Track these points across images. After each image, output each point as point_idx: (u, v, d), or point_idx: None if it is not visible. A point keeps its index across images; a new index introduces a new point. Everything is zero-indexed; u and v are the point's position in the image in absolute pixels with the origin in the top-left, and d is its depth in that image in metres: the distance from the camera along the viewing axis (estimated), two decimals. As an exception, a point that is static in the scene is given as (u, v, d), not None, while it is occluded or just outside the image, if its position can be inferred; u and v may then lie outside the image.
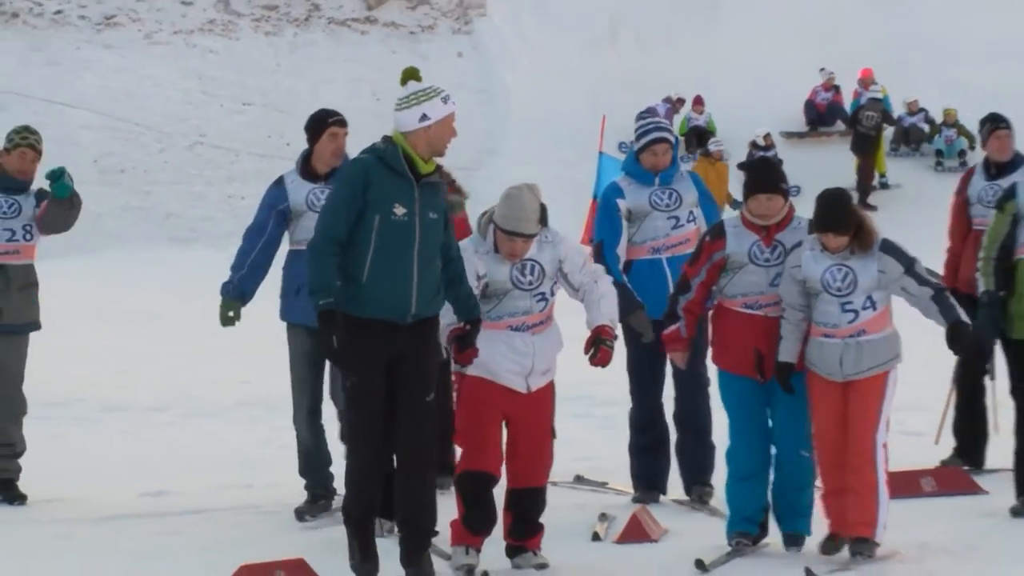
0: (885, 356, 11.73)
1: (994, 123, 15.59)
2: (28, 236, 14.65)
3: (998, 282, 13.30)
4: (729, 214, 14.27)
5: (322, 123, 13.16)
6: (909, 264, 11.74)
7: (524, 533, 11.52)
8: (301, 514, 13.32)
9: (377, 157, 10.79)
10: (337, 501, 13.05)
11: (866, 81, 43.03)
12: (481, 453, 11.34)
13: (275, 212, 13.19)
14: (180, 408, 20.00)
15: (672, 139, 14.47)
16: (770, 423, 12.44)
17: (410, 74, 11.00)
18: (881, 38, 45.12)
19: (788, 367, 11.80)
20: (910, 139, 42.45)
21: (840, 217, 11.61)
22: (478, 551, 11.34)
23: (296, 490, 13.96)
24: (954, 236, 16.01)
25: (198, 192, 37.45)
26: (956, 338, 11.65)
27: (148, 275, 18.40)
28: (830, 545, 11.71)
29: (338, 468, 12.80)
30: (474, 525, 11.32)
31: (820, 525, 12.06)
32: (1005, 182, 14.69)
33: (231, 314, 13.28)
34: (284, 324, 13.45)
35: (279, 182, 13.41)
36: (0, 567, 12.07)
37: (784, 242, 12.03)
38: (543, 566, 11.46)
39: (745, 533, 12.01)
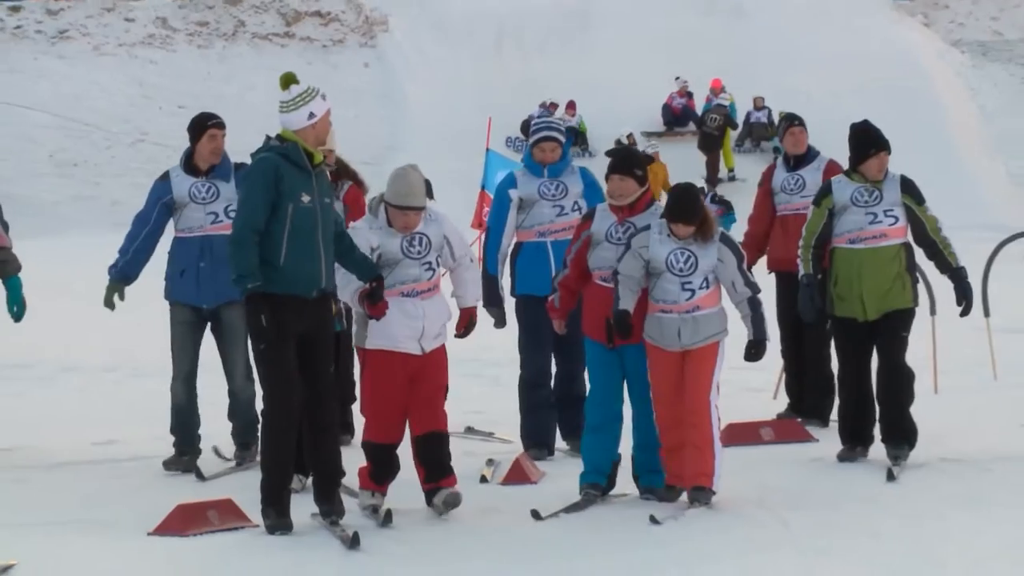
0: (716, 328, 11.92)
1: (788, 121, 15.88)
2: None
3: (815, 267, 13.49)
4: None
5: (202, 125, 13.24)
6: (740, 259, 12.07)
7: (437, 475, 11.66)
8: (167, 466, 13.41)
9: (281, 154, 10.98)
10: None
11: (716, 90, 43.65)
12: (384, 427, 11.58)
13: (160, 204, 13.17)
14: (126, 368, 20.32)
15: (561, 138, 14.50)
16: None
17: (290, 79, 11.16)
18: (728, 51, 45.29)
19: (623, 316, 11.87)
20: (754, 136, 43.29)
21: (690, 209, 11.87)
22: (383, 495, 11.63)
23: (224, 439, 14.31)
24: (755, 222, 16.12)
25: (140, 183, 36.80)
26: (752, 351, 11.99)
27: (97, 255, 18.19)
28: (669, 494, 11.94)
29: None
30: (379, 478, 11.65)
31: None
32: (805, 173, 15.27)
33: (116, 296, 13.33)
34: (169, 303, 13.44)
35: (164, 177, 13.34)
36: None
37: (636, 224, 12.17)
38: (457, 500, 11.56)
39: (595, 484, 12.12)
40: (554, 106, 39.66)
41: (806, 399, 15.58)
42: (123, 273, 13.12)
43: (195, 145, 13.13)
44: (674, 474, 11.98)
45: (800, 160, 15.47)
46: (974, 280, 16.52)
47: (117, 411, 15.21)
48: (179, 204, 12.98)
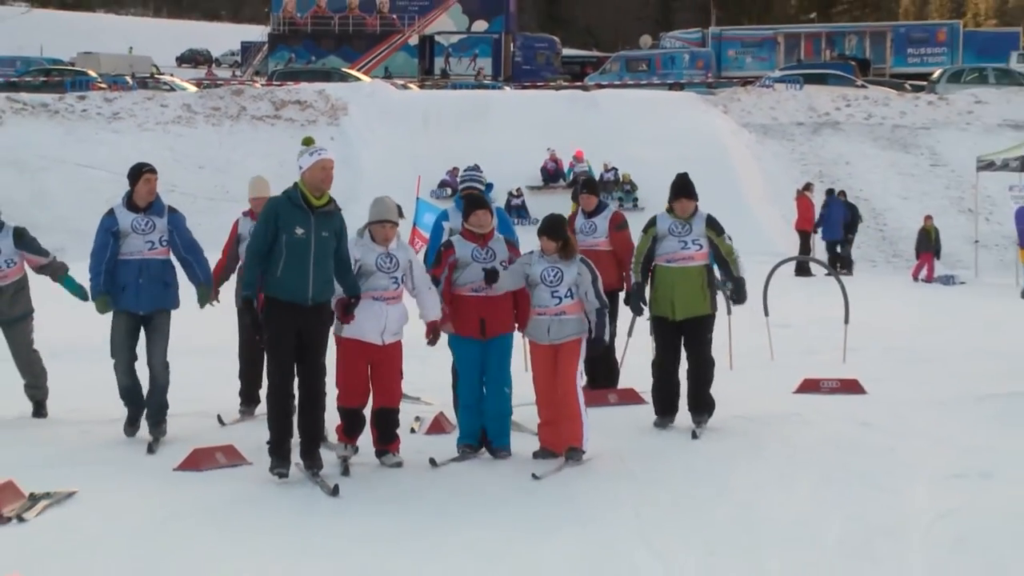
0: (577, 329, 11.99)
1: (582, 188, 15.62)
2: (10, 264, 14.09)
3: (643, 278, 13.52)
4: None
5: (138, 172, 12.71)
6: (595, 278, 12.06)
7: (385, 440, 11.84)
8: (125, 430, 13.05)
9: (286, 196, 10.87)
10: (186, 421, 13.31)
11: (578, 158, 43.34)
12: (352, 395, 11.55)
13: (109, 232, 12.44)
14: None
15: (481, 186, 13.96)
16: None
17: (306, 141, 11.14)
18: (586, 131, 44.62)
19: (493, 272, 11.98)
20: (606, 188, 42.71)
21: (555, 230, 11.95)
22: (355, 448, 11.73)
23: (218, 405, 14.34)
24: None
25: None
26: (592, 346, 12.11)
27: None
28: (542, 454, 12.13)
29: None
30: (349, 432, 11.69)
31: (531, 444, 12.50)
32: (597, 220, 14.84)
33: (106, 304, 12.67)
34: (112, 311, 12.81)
35: (111, 213, 12.63)
36: (49, 453, 12.28)
37: (494, 248, 12.21)
38: (399, 464, 11.76)
39: (469, 445, 12.29)
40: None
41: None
42: (103, 289, 12.60)
43: (134, 187, 12.65)
44: (548, 442, 12.25)
45: (593, 211, 15.04)
46: (757, 290, 16.60)
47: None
48: (123, 233, 12.45)
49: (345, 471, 11.21)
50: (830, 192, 37.35)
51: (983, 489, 11.29)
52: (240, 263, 13.42)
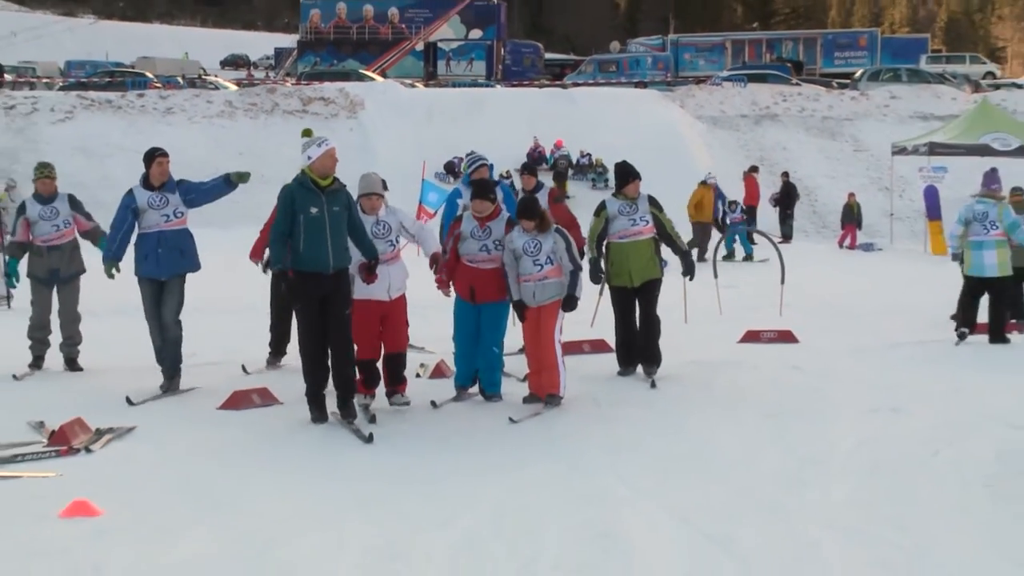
0: (557, 292, 11.91)
1: (522, 170, 15.09)
2: (67, 225, 14.04)
3: (598, 252, 13.36)
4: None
5: (152, 156, 12.55)
6: (568, 244, 11.96)
7: (394, 382, 11.75)
8: (162, 388, 12.64)
9: (298, 183, 10.75)
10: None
11: (558, 146, 43.12)
12: (367, 348, 11.41)
13: (129, 210, 12.36)
14: (201, 310, 16.86)
15: (490, 165, 14.08)
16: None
17: (305, 133, 11.05)
18: (565, 121, 44.64)
19: (520, 304, 12.07)
20: (581, 171, 42.79)
21: (532, 211, 11.93)
22: (373, 396, 11.64)
23: (251, 355, 14.20)
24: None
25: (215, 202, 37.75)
26: (567, 304, 11.94)
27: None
28: (529, 400, 12.05)
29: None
30: (368, 384, 11.58)
31: (522, 389, 12.42)
32: (537, 196, 13.76)
33: (114, 270, 12.56)
34: (137, 278, 12.71)
35: (130, 192, 12.48)
36: (107, 397, 12.15)
37: (492, 227, 12.11)
38: (407, 403, 11.70)
39: (463, 387, 12.34)
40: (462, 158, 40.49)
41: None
42: (115, 255, 12.51)
43: (148, 169, 12.47)
44: (536, 388, 12.16)
45: (533, 189, 14.43)
46: (708, 256, 16.48)
47: (198, 338, 14.34)
48: (141, 210, 12.34)
49: (372, 419, 11.05)
50: (784, 174, 37.62)
51: (893, 422, 11.45)
52: None
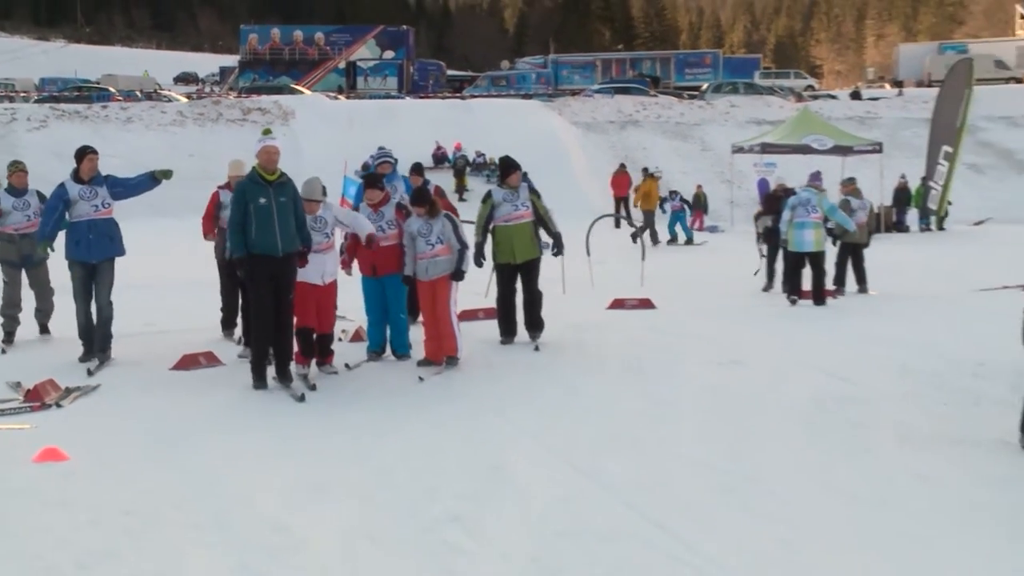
0: (447, 268, 11.70)
1: (411, 171, 14.17)
2: (37, 215, 12.98)
3: (483, 237, 12.97)
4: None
5: (83, 153, 11.95)
6: (455, 226, 11.80)
7: (324, 355, 11.46)
8: (81, 359, 12.09)
9: (249, 178, 10.56)
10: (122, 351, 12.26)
11: (457, 149, 43.09)
12: (304, 317, 11.08)
13: (62, 200, 11.80)
14: (161, 286, 17.67)
15: (392, 161, 13.75)
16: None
17: (265, 131, 10.89)
18: (464, 127, 44.44)
19: (408, 278, 11.87)
20: (477, 169, 42.66)
21: (423, 199, 11.77)
22: (308, 367, 11.25)
23: (192, 324, 13.94)
24: None
25: (169, 194, 37.37)
26: (454, 277, 11.75)
27: (143, 233, 16.47)
28: (424, 363, 11.73)
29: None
30: (306, 354, 11.23)
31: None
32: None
33: (48, 249, 12.08)
34: (68, 261, 12.10)
35: (62, 185, 11.86)
36: (71, 360, 11.85)
37: (384, 211, 12.05)
38: (335, 372, 11.43)
39: (376, 352, 12.17)
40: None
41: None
42: (48, 236, 11.90)
43: (79, 165, 11.83)
44: (430, 353, 11.85)
45: (421, 187, 13.26)
46: (581, 237, 16.58)
47: (151, 311, 14.32)
48: (73, 201, 11.76)
49: (313, 387, 10.72)
50: (644, 169, 37.89)
51: (732, 371, 11.56)
52: (219, 224, 12.72)
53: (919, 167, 36.13)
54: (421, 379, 11.18)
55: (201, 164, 39.31)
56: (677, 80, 74.43)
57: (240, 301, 12.37)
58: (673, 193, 32.08)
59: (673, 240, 30.09)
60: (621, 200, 36.55)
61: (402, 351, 12.20)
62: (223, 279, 13.25)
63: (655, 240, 29.26)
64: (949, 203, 35.19)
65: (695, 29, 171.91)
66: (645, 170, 33.96)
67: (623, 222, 31.19)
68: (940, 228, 34.82)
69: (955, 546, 6.54)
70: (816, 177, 17.25)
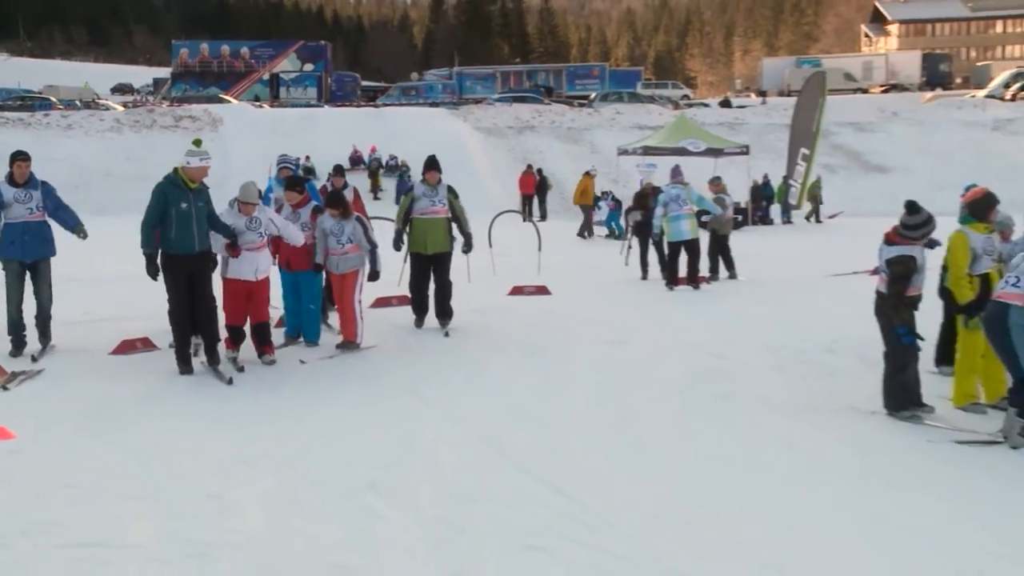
0: (356, 264, 11.53)
1: (332, 172, 13.91)
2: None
3: (403, 226, 12.64)
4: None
5: (14, 158, 11.19)
6: (365, 228, 11.64)
7: (262, 344, 11.00)
8: (11, 354, 11.28)
9: (170, 181, 10.13)
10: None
11: (372, 151, 42.72)
12: (235, 317, 10.82)
13: None
14: (96, 279, 16.92)
15: (292, 167, 13.64)
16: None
17: (196, 142, 10.37)
18: (377, 133, 44.14)
19: (318, 265, 11.61)
20: (390, 170, 42.13)
21: (336, 201, 11.63)
22: (237, 351, 10.86)
23: (128, 313, 13.29)
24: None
25: (110, 195, 36.62)
26: (371, 277, 11.66)
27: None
28: (343, 346, 11.55)
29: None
30: (234, 342, 10.88)
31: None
32: (345, 192, 13.33)
33: None
34: (3, 260, 11.41)
35: None
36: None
37: (301, 213, 11.74)
38: (273, 361, 10.89)
39: (292, 337, 11.85)
40: (304, 158, 39.91)
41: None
42: None
43: (11, 169, 11.08)
44: (354, 333, 11.66)
45: (343, 187, 13.60)
46: (484, 230, 16.53)
47: (92, 301, 14.01)
48: (7, 204, 11.08)
49: (241, 369, 10.44)
50: (539, 170, 38.09)
51: (618, 350, 11.59)
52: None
53: (781, 167, 36.65)
54: (302, 361, 10.99)
55: (136, 167, 38.83)
56: (568, 90, 74.73)
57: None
58: (605, 193, 32.17)
59: (611, 235, 30.01)
60: (527, 198, 36.79)
61: (311, 338, 11.87)
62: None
63: (590, 233, 29.28)
64: (820, 203, 35.77)
65: (584, 44, 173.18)
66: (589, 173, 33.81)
67: (531, 216, 31.24)
68: (818, 220, 35.33)
69: (811, 500, 6.69)
70: (677, 172, 17.31)
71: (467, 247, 13.07)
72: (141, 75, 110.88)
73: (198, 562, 5.72)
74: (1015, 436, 7.74)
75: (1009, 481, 7.08)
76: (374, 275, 11.72)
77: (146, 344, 11.74)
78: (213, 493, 6.82)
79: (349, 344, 11.59)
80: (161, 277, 10.30)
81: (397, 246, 12.80)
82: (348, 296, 11.66)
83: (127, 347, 11.57)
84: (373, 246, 11.73)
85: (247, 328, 11.05)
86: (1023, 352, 7.53)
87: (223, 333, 10.89)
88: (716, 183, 19.62)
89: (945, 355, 9.71)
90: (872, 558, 5.75)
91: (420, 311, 12.97)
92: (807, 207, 35.52)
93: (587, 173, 32.40)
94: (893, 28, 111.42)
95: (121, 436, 8.21)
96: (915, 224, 8.53)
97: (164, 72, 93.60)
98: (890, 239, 8.63)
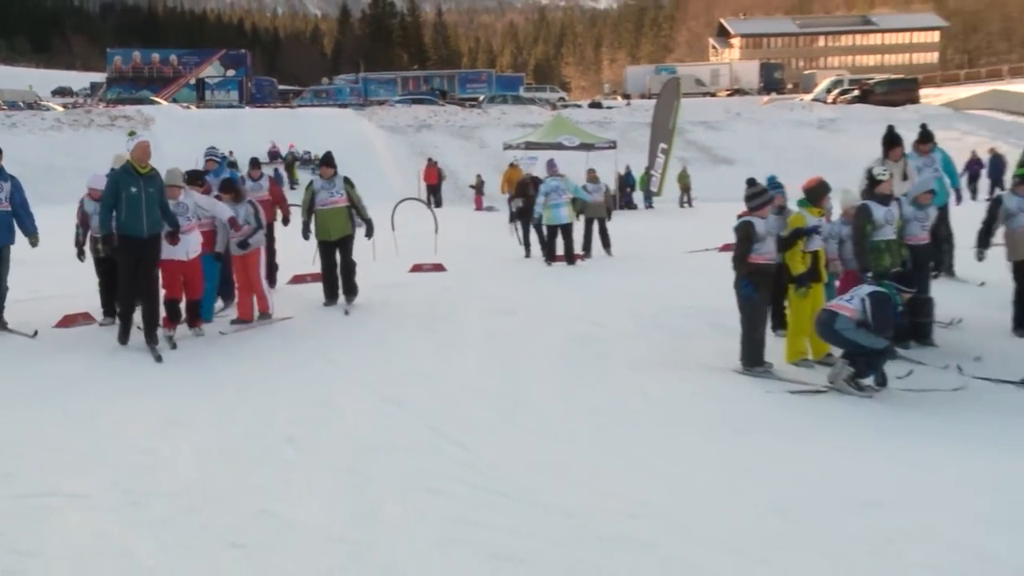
0: (255, 242, 11.21)
1: (250, 165, 13.66)
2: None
3: (308, 217, 12.24)
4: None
5: None
6: (256, 210, 11.31)
7: (192, 319, 10.57)
8: None
9: (123, 169, 9.77)
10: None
11: (292, 147, 42.28)
12: (171, 290, 10.27)
13: None
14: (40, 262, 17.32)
15: (218, 159, 12.94)
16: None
17: (130, 133, 10.16)
18: (293, 131, 43.35)
19: (219, 255, 11.17)
20: (304, 164, 41.19)
21: (227, 188, 11.27)
22: (174, 330, 10.28)
23: (71, 291, 12.68)
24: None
25: (52, 187, 35.51)
26: (242, 246, 11.23)
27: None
28: (238, 322, 11.24)
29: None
30: (172, 320, 10.32)
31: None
32: (261, 181, 13.41)
33: None
34: None
35: None
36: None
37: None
38: (202, 334, 10.56)
39: (205, 319, 11.04)
40: (231, 153, 39.10)
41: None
42: None
43: None
44: (242, 314, 11.36)
45: (258, 177, 13.43)
46: (387, 215, 16.32)
47: (37, 281, 13.57)
48: None
49: (174, 346, 10.03)
50: (435, 163, 37.72)
51: (507, 320, 11.42)
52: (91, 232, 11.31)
53: (644, 160, 37.07)
54: (222, 333, 10.81)
55: (75, 161, 37.67)
56: (460, 93, 74.24)
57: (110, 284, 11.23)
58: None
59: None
60: (431, 187, 36.65)
61: (205, 316, 11.14)
62: (97, 264, 11.88)
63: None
64: (690, 189, 36.20)
65: (473, 53, 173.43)
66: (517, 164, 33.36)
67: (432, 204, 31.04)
68: (690, 205, 35.67)
69: (670, 443, 6.79)
70: (552, 166, 17.53)
71: (369, 232, 12.78)
72: (79, 79, 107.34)
73: (136, 508, 5.66)
74: (840, 381, 8.02)
75: (829, 422, 7.29)
76: (243, 244, 11.25)
77: (87, 318, 11.39)
78: (149, 449, 6.72)
79: (263, 316, 11.34)
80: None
81: (305, 235, 12.43)
82: (254, 274, 11.34)
83: (69, 321, 11.22)
84: (259, 225, 11.37)
85: (183, 306, 10.64)
86: (859, 339, 7.85)
87: (163, 312, 10.43)
88: (591, 173, 20.27)
89: (778, 320, 9.83)
90: (717, 491, 5.84)
91: (332, 296, 12.52)
92: (678, 194, 35.98)
93: (512, 164, 32.27)
94: (736, 41, 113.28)
95: (65, 400, 8.06)
96: (751, 195, 8.80)
97: (100, 77, 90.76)
98: (740, 215, 8.87)
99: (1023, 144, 29.91)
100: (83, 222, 11.30)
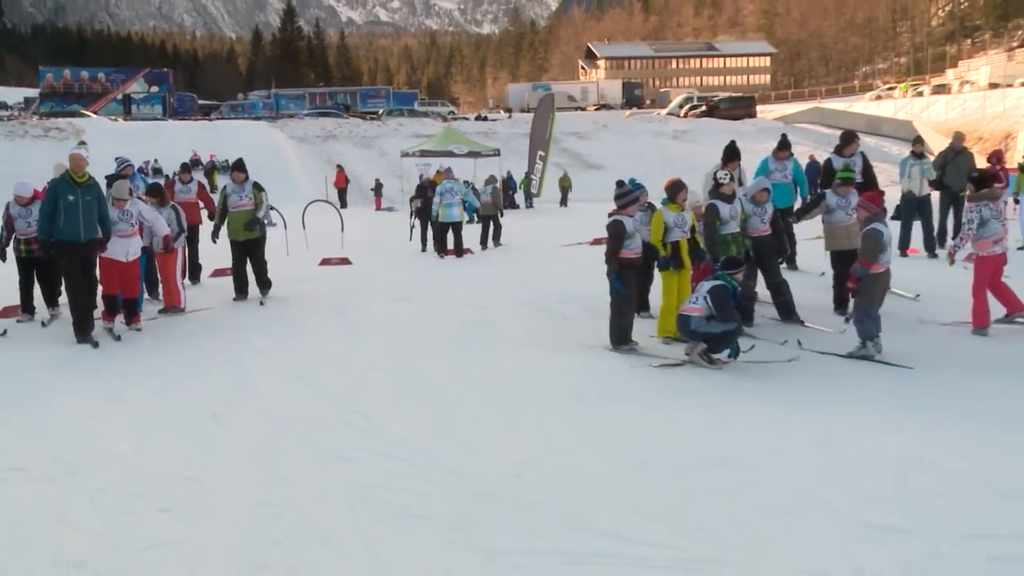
0: (178, 245, 10.79)
1: (180, 169, 13.21)
2: None
3: (222, 220, 11.75)
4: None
5: None
6: (178, 214, 11.01)
7: (130, 316, 10.03)
8: None
9: (62, 178, 9.35)
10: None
11: (213, 156, 40.84)
12: (109, 286, 9.75)
13: None
14: None
15: (133, 166, 12.47)
16: None
17: (80, 143, 9.83)
18: (212, 141, 42.14)
19: (147, 247, 10.72)
20: (224, 171, 40.02)
21: (155, 192, 11.12)
22: (113, 322, 9.82)
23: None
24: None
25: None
26: (166, 248, 10.81)
27: None
28: (167, 311, 10.91)
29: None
30: (111, 313, 9.83)
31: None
32: (191, 184, 12.98)
33: None
34: None
35: None
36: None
37: (131, 210, 10.13)
38: (139, 329, 9.94)
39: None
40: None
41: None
42: None
43: None
44: (169, 302, 10.99)
45: (188, 181, 13.08)
46: (299, 216, 15.96)
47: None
48: None
49: (117, 338, 9.59)
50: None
51: (405, 305, 11.45)
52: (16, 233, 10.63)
53: (524, 165, 37.27)
54: (153, 317, 10.51)
55: (10, 168, 35.67)
56: (362, 107, 73.18)
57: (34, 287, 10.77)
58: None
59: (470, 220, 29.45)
60: (341, 191, 36.22)
61: (139, 308, 10.52)
62: (19, 263, 10.97)
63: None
64: (570, 191, 36.38)
65: (373, 72, 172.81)
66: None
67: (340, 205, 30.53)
68: (565, 205, 35.82)
69: (549, 413, 6.75)
70: (450, 172, 17.61)
71: (261, 227, 11.95)
72: (13, 94, 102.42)
73: (73, 479, 5.51)
74: (695, 355, 8.17)
75: (685, 391, 7.34)
76: (168, 247, 10.84)
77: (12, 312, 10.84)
78: (85, 427, 6.55)
79: (173, 308, 10.95)
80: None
81: (214, 239, 11.97)
82: (169, 268, 10.96)
83: (9, 312, 10.79)
84: (180, 230, 11.11)
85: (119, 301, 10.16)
86: (712, 329, 7.97)
87: (101, 306, 10.01)
88: (490, 177, 21.20)
89: (642, 303, 9.90)
90: (590, 452, 5.88)
91: (242, 290, 12.00)
92: (559, 195, 36.25)
93: (438, 171, 32.02)
94: (602, 63, 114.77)
95: (8, 387, 7.77)
96: (619, 195, 8.83)
97: (33, 92, 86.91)
98: (610, 213, 8.90)
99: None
100: (7, 224, 10.66)
